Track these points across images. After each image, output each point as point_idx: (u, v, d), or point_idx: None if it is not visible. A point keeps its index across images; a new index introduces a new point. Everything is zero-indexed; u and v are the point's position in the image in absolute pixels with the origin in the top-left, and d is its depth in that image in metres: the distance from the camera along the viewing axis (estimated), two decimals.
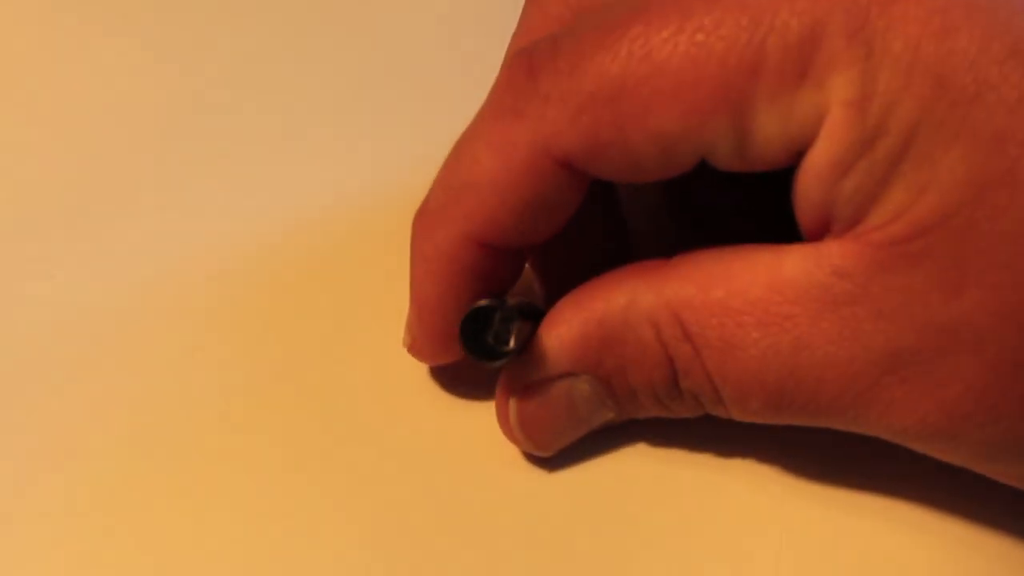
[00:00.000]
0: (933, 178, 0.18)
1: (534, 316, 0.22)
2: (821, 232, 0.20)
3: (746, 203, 0.24)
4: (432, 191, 0.22)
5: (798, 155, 0.19)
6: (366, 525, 0.22)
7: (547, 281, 0.25)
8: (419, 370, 0.24)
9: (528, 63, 0.20)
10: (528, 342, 0.21)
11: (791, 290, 0.19)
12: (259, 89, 0.32)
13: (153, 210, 0.28)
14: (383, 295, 0.25)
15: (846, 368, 0.19)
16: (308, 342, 0.25)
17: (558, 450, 0.23)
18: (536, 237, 0.21)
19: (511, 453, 0.23)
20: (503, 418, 0.23)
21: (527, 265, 0.25)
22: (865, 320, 0.19)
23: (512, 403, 0.22)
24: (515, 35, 0.24)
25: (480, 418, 0.24)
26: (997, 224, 0.18)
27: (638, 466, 0.23)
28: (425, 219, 0.22)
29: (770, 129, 0.19)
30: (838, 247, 0.19)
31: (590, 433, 0.23)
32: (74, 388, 0.24)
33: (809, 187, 0.19)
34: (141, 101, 0.31)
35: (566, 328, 0.21)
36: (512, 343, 0.20)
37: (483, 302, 0.20)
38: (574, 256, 0.24)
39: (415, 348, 0.23)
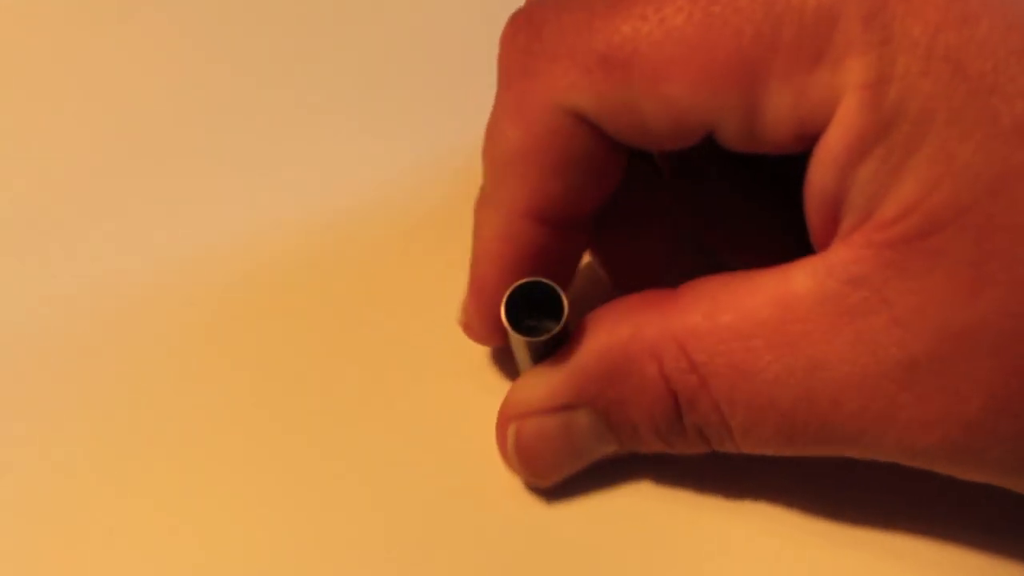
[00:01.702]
0: (949, 169, 0.17)
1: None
2: (830, 227, 0.19)
3: (758, 208, 0.23)
4: (483, 179, 0.22)
5: (807, 140, 0.19)
6: (357, 532, 0.22)
7: (614, 275, 0.24)
8: (422, 387, 0.24)
9: (527, 19, 0.20)
10: (568, 327, 0.21)
11: (802, 306, 0.19)
12: (261, 90, 0.31)
13: (153, 212, 0.28)
14: (384, 297, 0.25)
15: (862, 387, 0.18)
16: (308, 344, 0.25)
17: (557, 481, 0.22)
18: (585, 205, 0.21)
19: (511, 484, 0.23)
20: (502, 446, 0.22)
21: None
22: (880, 331, 0.18)
23: (511, 432, 0.22)
24: None
25: (481, 446, 0.23)
26: (1015, 218, 0.17)
27: (641, 503, 0.22)
28: (479, 204, 0.22)
29: (781, 108, 0.18)
30: (850, 253, 0.18)
31: (593, 464, 0.22)
32: (73, 389, 0.24)
33: (822, 174, 0.18)
34: (143, 101, 0.31)
35: (567, 358, 0.21)
36: (560, 322, 0.20)
37: (527, 279, 0.20)
38: (642, 250, 0.23)
39: (469, 328, 0.23)
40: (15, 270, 0.27)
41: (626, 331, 0.20)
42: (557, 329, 0.20)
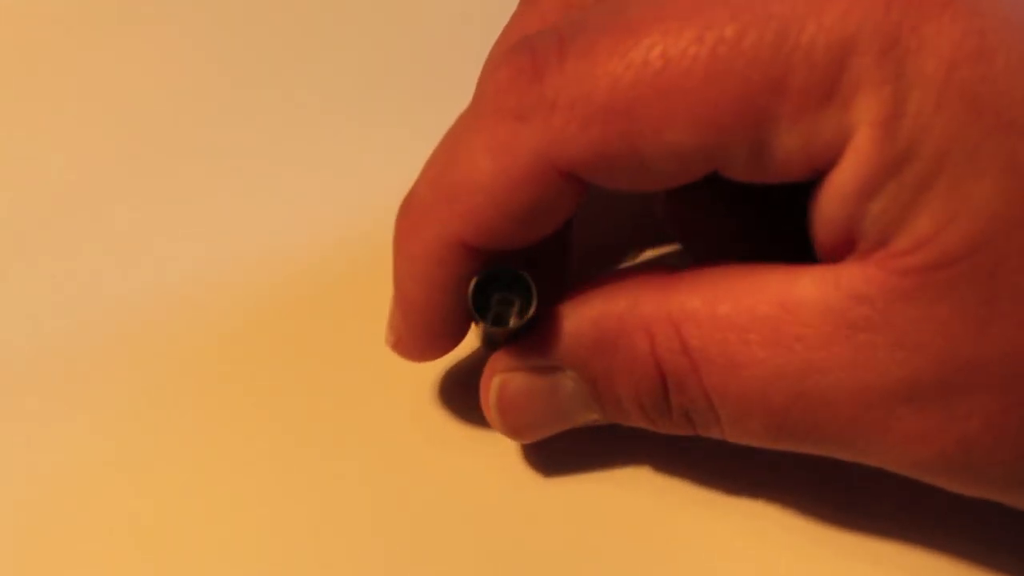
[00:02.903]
0: (964, 207, 0.17)
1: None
2: (840, 252, 0.19)
3: (753, 216, 0.23)
4: (419, 186, 0.21)
5: (816, 173, 0.18)
6: (357, 533, 0.22)
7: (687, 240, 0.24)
8: (414, 375, 0.24)
9: (532, 62, 0.19)
10: (535, 318, 0.21)
11: (804, 311, 0.18)
12: (263, 91, 0.31)
13: (153, 213, 0.28)
14: (383, 299, 0.25)
15: (859, 396, 0.18)
16: (307, 347, 0.25)
17: (537, 440, 0.22)
18: (525, 242, 0.20)
19: (505, 464, 0.23)
20: (485, 397, 0.22)
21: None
22: (882, 348, 0.18)
23: (495, 383, 0.22)
24: (505, 31, 0.23)
25: (474, 431, 0.23)
26: None
27: (636, 499, 0.23)
28: (412, 216, 0.21)
29: (790, 147, 0.18)
30: (859, 271, 0.18)
31: (586, 454, 0.22)
32: (73, 389, 0.24)
33: (831, 207, 0.18)
34: (144, 103, 0.31)
35: (560, 321, 0.21)
36: (527, 313, 0.20)
37: (495, 267, 0.20)
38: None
39: (400, 346, 0.22)
40: (16, 272, 0.27)
41: (623, 303, 0.20)
42: (528, 317, 0.20)
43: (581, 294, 0.21)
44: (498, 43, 0.23)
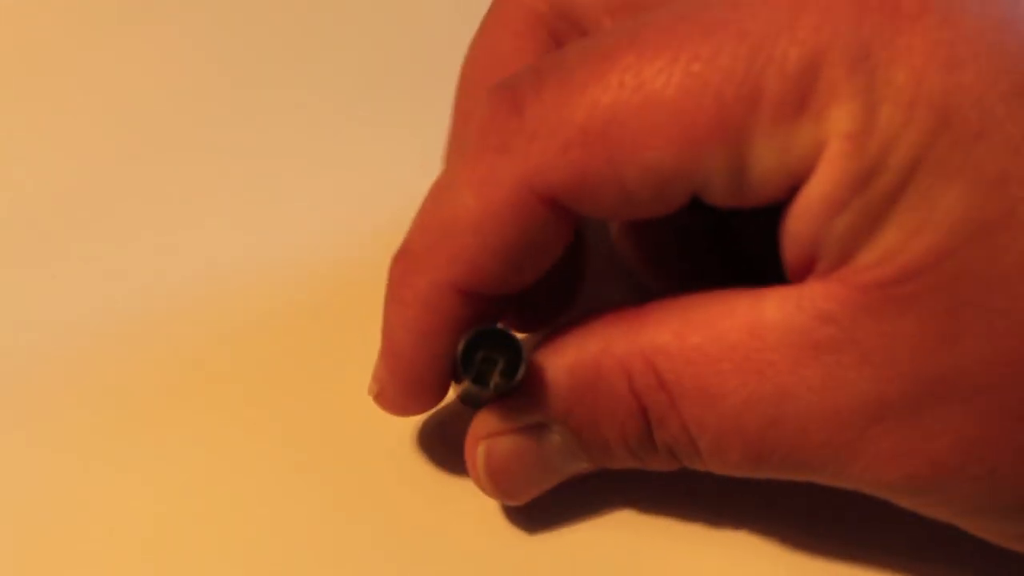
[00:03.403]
0: (929, 217, 0.17)
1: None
2: (805, 271, 0.19)
3: (730, 240, 0.23)
4: (411, 234, 0.21)
5: (794, 189, 0.18)
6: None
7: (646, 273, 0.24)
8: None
9: (511, 97, 0.19)
10: (520, 383, 0.20)
11: (772, 335, 0.18)
12: (263, 91, 0.31)
13: (153, 213, 0.28)
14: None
15: (830, 418, 0.18)
16: (307, 347, 0.25)
17: (529, 500, 0.22)
18: (518, 283, 0.20)
19: (489, 510, 0.23)
20: (472, 466, 0.22)
21: None
22: (850, 368, 0.18)
23: (480, 450, 0.21)
24: (485, 26, 0.23)
25: (459, 476, 0.23)
26: (995, 267, 0.17)
27: (622, 532, 0.22)
28: (404, 263, 0.21)
29: (768, 162, 0.18)
30: (822, 289, 0.18)
31: (573, 495, 0.22)
32: (73, 389, 0.24)
33: (799, 223, 0.18)
34: (144, 103, 0.31)
35: (536, 374, 0.20)
36: (514, 375, 0.19)
37: (485, 326, 0.19)
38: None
39: (383, 398, 0.22)
40: (16, 270, 0.27)
41: (595, 346, 0.20)
42: (517, 379, 0.19)
43: (552, 343, 0.21)
44: (473, 41, 0.23)
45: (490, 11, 0.23)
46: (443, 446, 0.24)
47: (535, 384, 0.20)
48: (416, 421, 0.24)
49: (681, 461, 0.20)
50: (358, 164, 0.29)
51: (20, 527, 0.22)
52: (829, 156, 0.18)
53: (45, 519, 0.22)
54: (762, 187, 0.18)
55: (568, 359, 0.20)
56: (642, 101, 0.18)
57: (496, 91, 0.19)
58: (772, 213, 0.19)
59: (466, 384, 0.20)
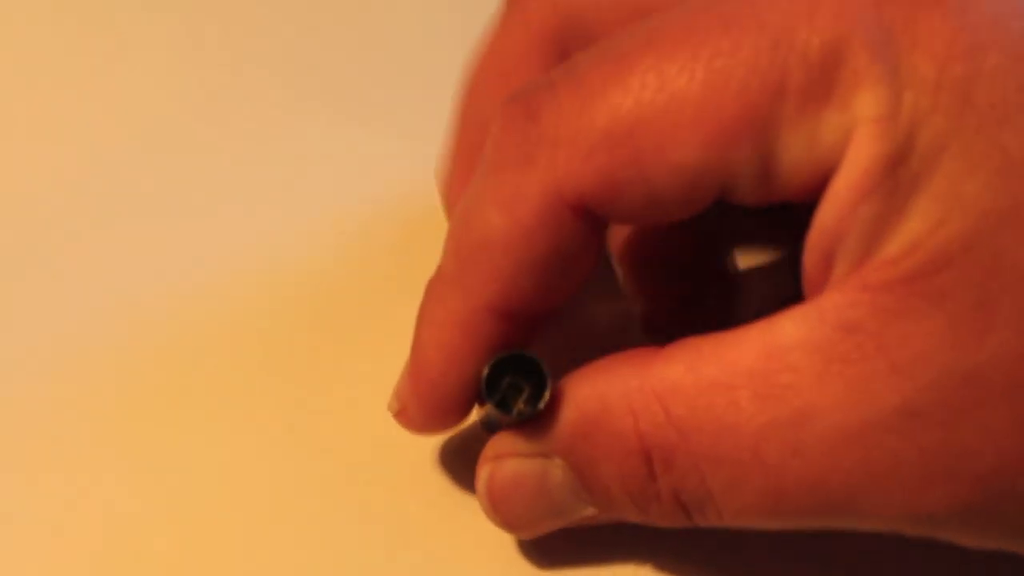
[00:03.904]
0: (955, 205, 0.17)
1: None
2: (823, 272, 0.18)
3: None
4: (443, 259, 0.20)
5: (823, 181, 0.18)
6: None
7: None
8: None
9: (526, 106, 0.19)
10: (542, 410, 0.20)
11: (792, 355, 0.17)
12: (263, 91, 0.31)
13: (152, 216, 0.28)
14: (386, 308, 0.25)
15: (860, 437, 0.17)
16: (307, 348, 0.25)
17: (534, 536, 0.21)
18: (554, 300, 0.20)
19: (501, 541, 0.22)
20: (478, 488, 0.21)
21: None
22: (876, 378, 0.17)
23: (484, 471, 0.21)
24: (493, 37, 0.23)
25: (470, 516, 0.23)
26: None
27: None
28: (437, 288, 0.20)
29: (796, 153, 0.18)
30: (843, 298, 0.17)
31: (588, 543, 0.21)
32: (73, 389, 0.24)
33: (826, 216, 0.18)
34: (144, 102, 0.31)
35: (548, 406, 0.20)
36: (538, 401, 0.19)
37: (513, 351, 0.19)
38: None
39: (404, 416, 0.21)
40: (15, 270, 0.27)
41: (604, 384, 0.19)
42: (540, 407, 0.19)
43: (570, 376, 0.20)
44: (481, 49, 0.23)
45: (497, 22, 0.23)
46: (456, 465, 0.24)
47: (544, 415, 0.20)
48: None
49: (689, 512, 0.19)
50: (358, 164, 0.29)
51: (20, 527, 0.22)
52: (857, 141, 0.17)
53: (45, 519, 0.22)
54: (790, 180, 0.18)
55: (578, 394, 0.20)
56: (666, 100, 0.18)
57: (509, 103, 0.19)
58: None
59: (489, 408, 0.20)
